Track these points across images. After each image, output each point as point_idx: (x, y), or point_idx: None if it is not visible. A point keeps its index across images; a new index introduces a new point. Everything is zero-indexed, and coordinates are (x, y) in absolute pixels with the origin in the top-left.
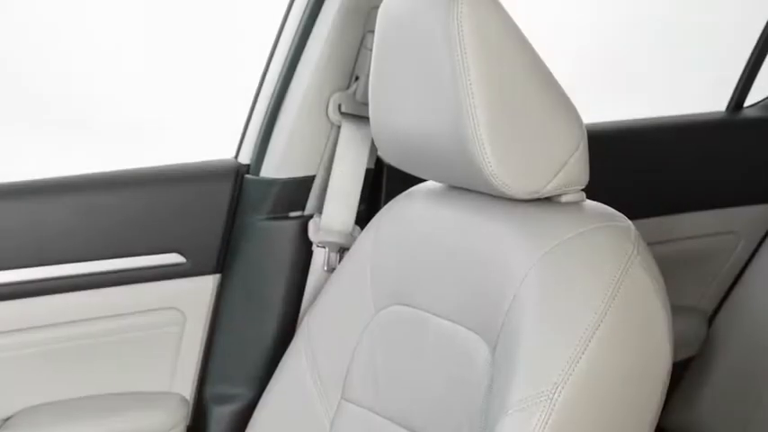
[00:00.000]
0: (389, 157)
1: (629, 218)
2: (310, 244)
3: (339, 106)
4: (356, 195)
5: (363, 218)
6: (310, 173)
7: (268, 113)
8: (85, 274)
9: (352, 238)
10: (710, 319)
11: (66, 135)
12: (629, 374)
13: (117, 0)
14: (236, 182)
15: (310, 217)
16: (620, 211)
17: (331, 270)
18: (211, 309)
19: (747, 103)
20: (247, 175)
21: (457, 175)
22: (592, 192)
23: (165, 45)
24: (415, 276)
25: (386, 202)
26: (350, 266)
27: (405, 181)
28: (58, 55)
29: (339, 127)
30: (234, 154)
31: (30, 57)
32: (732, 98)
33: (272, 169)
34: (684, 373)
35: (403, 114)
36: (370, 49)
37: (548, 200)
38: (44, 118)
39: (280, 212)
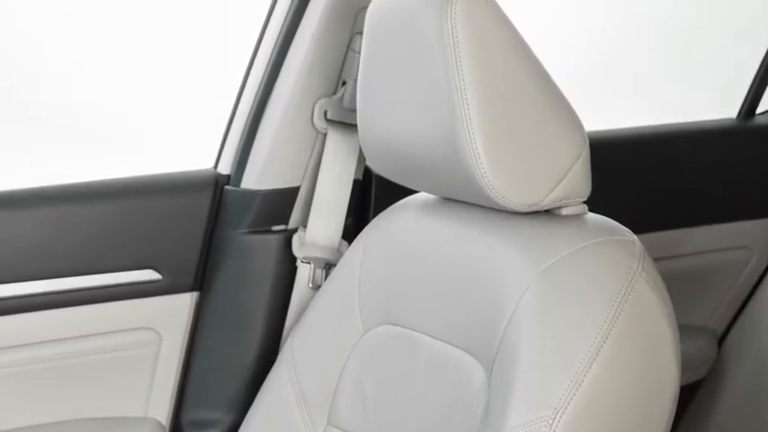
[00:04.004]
0: (378, 167)
1: (634, 232)
2: (294, 259)
3: (325, 113)
4: (343, 208)
5: (351, 232)
6: (294, 184)
7: (249, 120)
8: (54, 292)
9: (339, 253)
10: (720, 340)
11: (39, 141)
12: (634, 399)
13: (94, 3)
14: (216, 193)
15: (294, 231)
16: (624, 224)
17: (316, 287)
18: (189, 329)
19: (760, 109)
20: (227, 187)
21: (450, 187)
22: (594, 204)
23: (138, 46)
24: (406, 294)
25: (375, 216)
26: (336, 284)
27: (395, 192)
28: (35, 59)
29: (325, 135)
30: (213, 164)
31: (6, 61)
32: (744, 104)
33: (253, 180)
34: (693, 398)
35: (393, 121)
36: (358, 52)
37: (547, 212)
38: (16, 123)
39: (262, 226)
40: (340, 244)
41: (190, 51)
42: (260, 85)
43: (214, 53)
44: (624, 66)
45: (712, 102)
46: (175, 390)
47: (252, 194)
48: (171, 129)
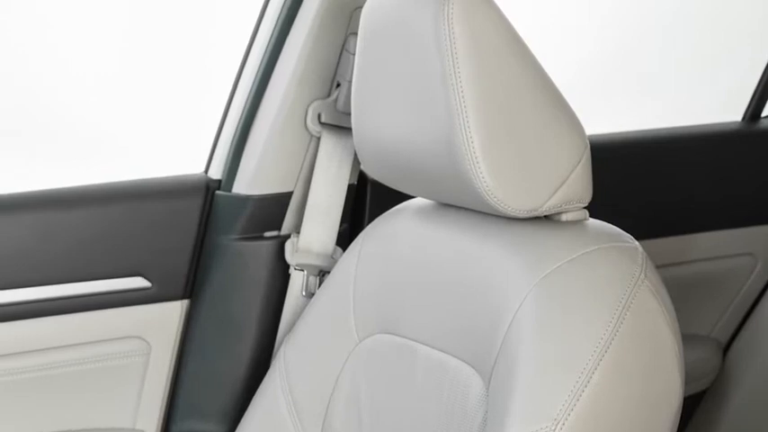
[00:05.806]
0: (374, 172)
1: (636, 238)
2: (287, 267)
3: (319, 116)
4: (337, 213)
5: (345, 238)
6: (287, 189)
7: (241, 123)
8: (40, 300)
9: (333, 260)
10: (725, 349)
11: (22, 148)
12: (637, 409)
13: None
14: (206, 199)
15: (287, 237)
16: (626, 230)
17: (310, 295)
18: (179, 337)
19: (765, 112)
20: (218, 192)
21: (448, 192)
22: (595, 209)
23: (126, 47)
24: (402, 302)
25: (370, 221)
26: (330, 291)
27: (390, 198)
28: (22, 63)
29: (319, 139)
30: (203, 168)
31: None
32: (749, 107)
33: (245, 185)
34: (696, 409)
35: (389, 125)
36: (353, 54)
37: (547, 218)
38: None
39: (254, 232)
40: (334, 250)
41: (180, 52)
42: (252, 87)
43: (204, 54)
44: (626, 67)
45: (717, 104)
46: (165, 400)
47: (243, 200)
48: (161, 132)
